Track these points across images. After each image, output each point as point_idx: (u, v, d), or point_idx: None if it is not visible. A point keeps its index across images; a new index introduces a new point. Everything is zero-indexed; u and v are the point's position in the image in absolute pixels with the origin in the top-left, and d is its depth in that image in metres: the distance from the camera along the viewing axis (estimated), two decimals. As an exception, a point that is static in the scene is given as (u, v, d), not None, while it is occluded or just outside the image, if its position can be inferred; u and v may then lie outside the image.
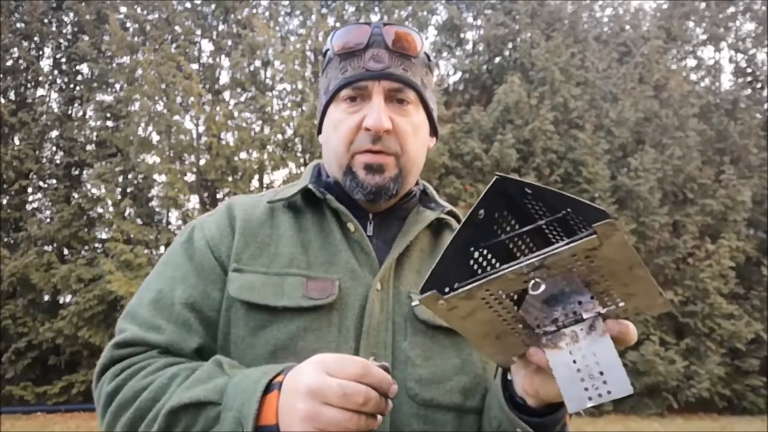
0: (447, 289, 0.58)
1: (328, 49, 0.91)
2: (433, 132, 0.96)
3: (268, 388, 0.67)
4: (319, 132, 0.96)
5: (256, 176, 9.95)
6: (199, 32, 10.93)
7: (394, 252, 0.86)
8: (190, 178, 9.80)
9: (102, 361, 0.80)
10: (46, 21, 10.88)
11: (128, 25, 10.58)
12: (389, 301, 0.83)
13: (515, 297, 0.61)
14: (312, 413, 0.62)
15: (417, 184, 0.97)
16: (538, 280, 0.56)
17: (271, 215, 0.90)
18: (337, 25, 11.05)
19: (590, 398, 0.56)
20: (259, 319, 0.79)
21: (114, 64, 10.45)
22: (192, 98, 9.18)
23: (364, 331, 0.81)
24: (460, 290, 0.57)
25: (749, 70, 12.24)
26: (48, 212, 10.50)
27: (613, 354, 0.57)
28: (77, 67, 10.97)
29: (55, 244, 10.03)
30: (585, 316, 0.58)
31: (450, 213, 0.96)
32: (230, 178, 9.59)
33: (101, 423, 0.79)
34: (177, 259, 0.87)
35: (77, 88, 10.89)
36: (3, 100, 10.45)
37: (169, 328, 0.80)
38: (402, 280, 0.86)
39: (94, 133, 10.76)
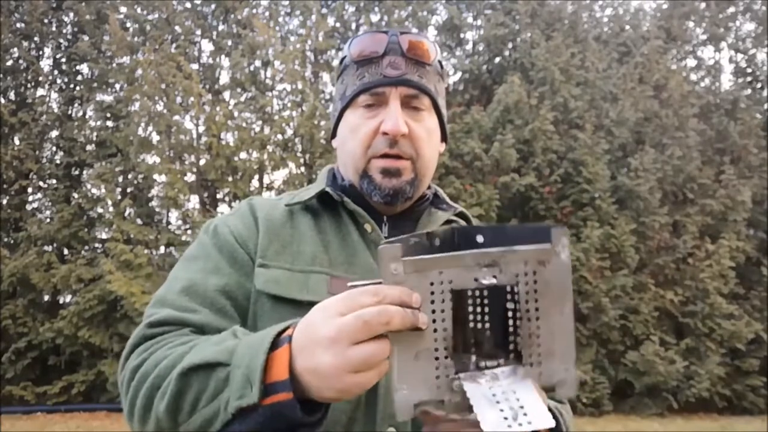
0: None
1: (344, 56, 0.94)
2: (443, 137, 0.99)
3: (277, 344, 0.65)
4: (333, 136, 0.98)
5: (256, 176, 9.95)
6: (199, 32, 10.93)
7: None
8: (190, 178, 9.80)
9: (132, 341, 0.79)
10: (46, 21, 10.87)
11: (128, 25, 10.58)
12: None
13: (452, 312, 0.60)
14: (341, 362, 0.58)
15: (429, 187, 1.00)
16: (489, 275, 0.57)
17: (290, 217, 0.92)
18: (337, 25, 11.06)
19: (509, 425, 0.54)
20: (284, 312, 0.80)
21: (114, 64, 10.44)
22: (192, 98, 9.17)
23: None
24: (421, 257, 0.57)
25: (749, 70, 12.23)
26: (48, 212, 10.49)
27: (533, 395, 0.56)
28: (77, 67, 10.96)
29: (55, 244, 10.02)
30: (506, 363, 0.59)
31: (460, 214, 0.99)
32: (230, 178, 9.59)
33: (124, 401, 0.76)
34: (206, 252, 0.88)
35: (77, 88, 10.88)
36: (3, 100, 10.44)
37: (204, 311, 0.80)
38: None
39: (94, 133, 10.76)
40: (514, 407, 0.55)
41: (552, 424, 0.54)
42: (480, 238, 0.70)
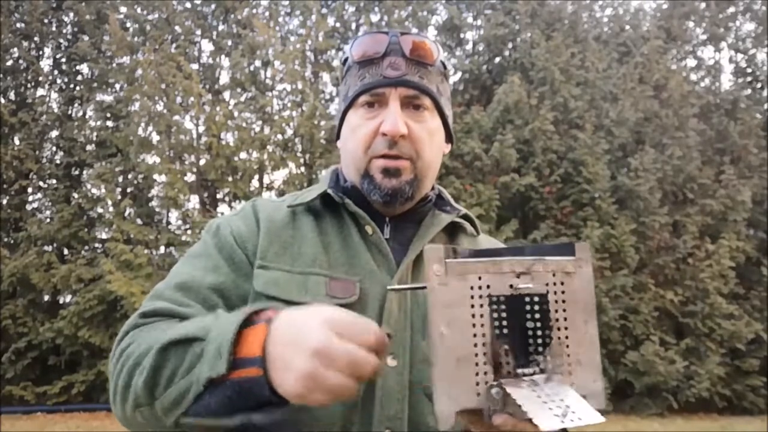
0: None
1: (347, 58, 0.94)
2: (449, 138, 0.99)
3: (253, 321, 0.66)
4: (338, 138, 0.99)
5: (256, 176, 9.95)
6: (199, 32, 10.93)
7: (411, 254, 0.89)
8: (190, 178, 9.80)
9: (124, 328, 0.81)
10: (46, 21, 10.88)
11: (128, 25, 10.58)
12: (407, 301, 0.86)
13: (493, 319, 0.61)
14: (313, 375, 0.59)
15: (432, 189, 0.99)
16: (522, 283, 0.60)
17: (292, 218, 0.93)
18: (337, 25, 11.06)
19: (562, 421, 0.55)
20: None
21: (114, 64, 10.45)
22: (192, 98, 9.18)
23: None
24: (464, 260, 0.59)
25: (749, 70, 12.23)
26: (48, 212, 10.50)
27: (576, 395, 0.58)
28: (77, 67, 10.97)
29: (55, 244, 10.03)
30: (542, 368, 0.60)
31: (465, 216, 0.99)
32: (230, 178, 9.59)
33: (110, 385, 0.77)
34: (207, 251, 0.89)
35: (77, 88, 10.88)
36: (3, 100, 10.44)
37: (197, 307, 0.81)
38: (419, 282, 0.87)
39: (94, 133, 10.76)
40: (562, 406, 0.56)
41: (602, 419, 0.57)
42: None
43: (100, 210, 10.15)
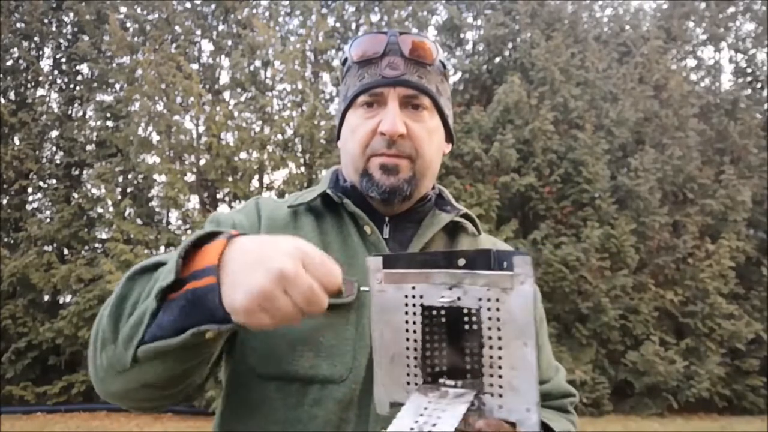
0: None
1: (347, 58, 0.95)
2: (449, 138, 0.99)
3: (211, 237, 0.64)
4: (338, 138, 0.99)
5: (256, 176, 9.95)
6: (199, 32, 10.92)
7: None
8: (190, 178, 9.79)
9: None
10: (46, 21, 10.87)
11: (128, 25, 10.58)
12: None
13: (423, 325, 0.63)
14: (269, 294, 0.57)
15: (433, 188, 0.99)
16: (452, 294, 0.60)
17: (293, 218, 0.93)
18: (337, 25, 11.05)
19: None
20: None
21: (114, 64, 10.44)
22: (192, 98, 9.17)
23: None
24: (398, 270, 0.63)
25: (749, 70, 12.23)
26: (48, 212, 10.49)
27: (453, 420, 0.57)
28: (77, 67, 10.96)
29: (55, 244, 10.02)
30: (464, 387, 0.60)
31: (465, 216, 0.98)
32: (230, 178, 9.58)
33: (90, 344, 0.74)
34: None
35: (77, 88, 10.88)
36: (3, 100, 10.44)
37: None
38: None
39: (94, 133, 10.76)
40: (429, 422, 0.56)
41: None
42: (461, 261, 0.71)
43: (100, 210, 10.14)
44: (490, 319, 0.58)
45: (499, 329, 0.58)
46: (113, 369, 0.69)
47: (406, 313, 0.62)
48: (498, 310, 0.58)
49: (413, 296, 0.62)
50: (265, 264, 0.58)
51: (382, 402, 0.65)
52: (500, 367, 0.58)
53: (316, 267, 0.60)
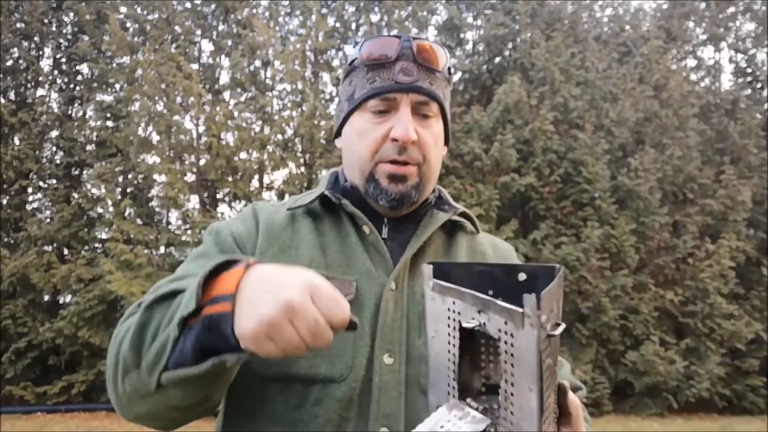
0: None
1: (355, 58, 0.94)
2: (446, 141, 1.00)
3: (230, 266, 0.66)
4: (336, 136, 0.99)
5: (256, 176, 9.94)
6: (199, 32, 10.92)
7: (408, 252, 0.89)
8: (190, 178, 9.79)
9: (122, 318, 0.81)
10: (46, 21, 10.87)
11: (128, 25, 10.57)
12: (403, 300, 0.86)
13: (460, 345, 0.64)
14: (275, 324, 0.60)
15: (433, 191, 1.00)
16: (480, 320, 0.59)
17: (292, 221, 0.93)
18: (337, 25, 11.05)
19: None
20: None
21: (114, 64, 10.44)
22: (192, 98, 9.17)
23: (378, 329, 0.84)
24: (443, 283, 0.64)
25: (749, 70, 12.23)
26: (48, 212, 10.49)
27: None
28: (77, 67, 10.96)
29: (55, 244, 10.02)
30: (484, 413, 0.61)
31: (463, 214, 0.99)
32: (230, 178, 9.58)
33: (107, 367, 0.76)
34: (207, 250, 0.90)
35: (77, 88, 10.88)
36: (3, 100, 10.44)
37: None
38: (416, 280, 0.88)
39: (94, 133, 10.75)
40: None
41: None
42: (522, 276, 0.70)
43: (100, 210, 10.14)
44: (506, 352, 0.56)
45: (512, 365, 0.56)
46: (138, 394, 0.72)
47: (449, 326, 0.63)
48: (512, 345, 0.55)
49: (453, 311, 0.62)
50: (275, 293, 0.60)
51: (433, 405, 0.66)
52: (512, 404, 0.56)
53: (323, 301, 0.61)
